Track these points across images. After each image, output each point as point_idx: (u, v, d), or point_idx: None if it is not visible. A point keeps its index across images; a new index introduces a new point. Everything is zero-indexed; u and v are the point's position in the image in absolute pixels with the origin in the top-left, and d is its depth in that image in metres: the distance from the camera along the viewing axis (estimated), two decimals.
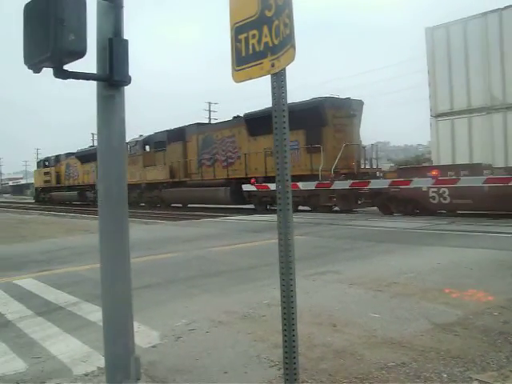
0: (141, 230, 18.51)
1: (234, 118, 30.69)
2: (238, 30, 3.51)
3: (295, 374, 3.31)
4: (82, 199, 48.85)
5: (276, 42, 3.21)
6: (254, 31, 3.37)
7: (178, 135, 34.59)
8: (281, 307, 3.33)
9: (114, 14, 3.61)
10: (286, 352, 3.29)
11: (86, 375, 4.95)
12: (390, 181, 20.89)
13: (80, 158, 48.81)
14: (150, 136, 37.80)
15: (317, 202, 24.18)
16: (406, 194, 20.03)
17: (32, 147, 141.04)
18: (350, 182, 21.89)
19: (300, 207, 25.16)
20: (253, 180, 26.24)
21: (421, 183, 19.25)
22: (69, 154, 53.05)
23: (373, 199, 22.10)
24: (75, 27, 3.29)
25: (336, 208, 24.04)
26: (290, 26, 3.20)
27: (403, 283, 8.09)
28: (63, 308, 7.65)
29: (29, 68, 3.51)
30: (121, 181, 3.63)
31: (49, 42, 3.22)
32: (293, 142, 24.33)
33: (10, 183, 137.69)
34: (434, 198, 18.79)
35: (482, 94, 18.95)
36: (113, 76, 3.55)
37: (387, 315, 6.39)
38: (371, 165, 26.14)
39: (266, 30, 3.32)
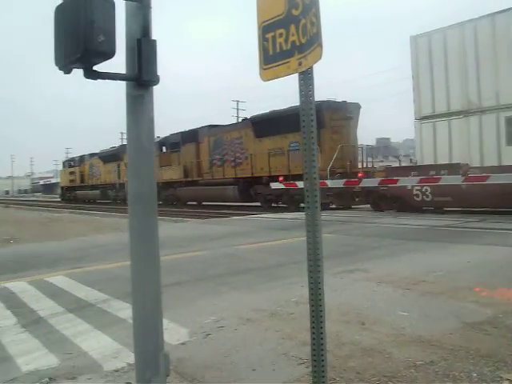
0: (170, 228, 18.64)
1: (243, 120, 32.80)
2: (266, 29, 3.52)
3: (323, 371, 3.32)
4: (104, 197, 50.45)
5: (303, 40, 3.21)
6: (281, 30, 3.38)
7: (191, 137, 36.18)
8: (309, 305, 3.33)
9: (142, 14, 3.65)
10: (314, 350, 3.29)
11: (116, 371, 5.02)
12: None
13: (102, 158, 50.66)
14: (166, 137, 39.13)
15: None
16: (393, 192, 21.44)
17: (62, 146, 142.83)
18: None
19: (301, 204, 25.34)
20: (280, 178, 26.46)
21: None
22: (92, 155, 54.70)
23: (366, 197, 23.51)
24: (105, 28, 3.34)
25: (332, 206, 25.51)
26: (316, 24, 3.20)
27: (432, 281, 8.04)
28: (94, 305, 7.75)
29: (60, 69, 3.56)
30: (150, 179, 3.67)
31: (79, 43, 3.27)
32: (295, 143, 26.53)
33: (41, 182, 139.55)
34: (417, 195, 20.26)
35: (460, 99, 20.38)
36: (142, 76, 3.59)
37: (416, 313, 6.36)
38: (366, 164, 27.32)
39: (293, 28, 3.33)
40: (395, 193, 21.32)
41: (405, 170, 22.18)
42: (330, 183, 23.00)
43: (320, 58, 3.11)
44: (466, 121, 20.27)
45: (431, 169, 20.36)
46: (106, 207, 40.83)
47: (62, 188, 64.20)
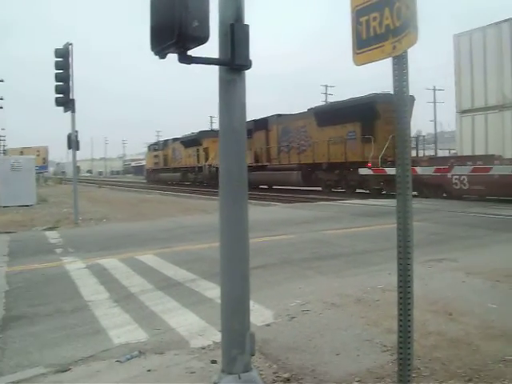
0: (257, 212, 18.81)
1: (308, 110, 33.52)
2: (359, 13, 3.48)
3: (409, 359, 3.29)
4: (184, 179, 53.73)
5: (397, 24, 3.15)
6: (375, 14, 3.33)
7: (261, 124, 38.03)
8: (397, 292, 3.30)
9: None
10: (401, 337, 3.27)
11: (203, 348, 5.16)
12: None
13: (183, 143, 53.52)
14: None
15: (369, 186, 27.91)
16: (435, 181, 22.39)
17: (153, 128, 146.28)
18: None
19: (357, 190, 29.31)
20: (369, 164, 26.40)
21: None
22: (175, 139, 57.53)
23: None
24: (199, 14, 3.40)
25: (384, 192, 26.55)
26: (411, 7, 3.13)
27: None
28: (182, 284, 7.98)
29: (155, 54, 3.66)
30: (241, 162, 3.71)
31: (174, 29, 3.34)
32: (351, 133, 28.97)
33: (133, 164, 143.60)
34: (456, 184, 21.29)
35: (496, 94, 21.62)
36: (234, 60, 3.63)
37: (506, 307, 6.16)
38: (417, 154, 28.11)
39: (387, 12, 3.27)
40: (436, 181, 22.31)
41: (445, 160, 23.28)
42: (419, 170, 22.60)
43: (415, 41, 3.04)
44: (501, 115, 21.48)
45: (468, 159, 21.52)
46: (190, 189, 42.11)
47: (147, 170, 68.33)
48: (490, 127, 22.08)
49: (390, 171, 23.47)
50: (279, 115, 37.68)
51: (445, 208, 18.67)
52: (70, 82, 17.70)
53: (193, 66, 3.58)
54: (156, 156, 62.69)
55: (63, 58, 17.60)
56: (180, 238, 12.85)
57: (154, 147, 65.06)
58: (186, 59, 3.50)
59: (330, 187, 31.71)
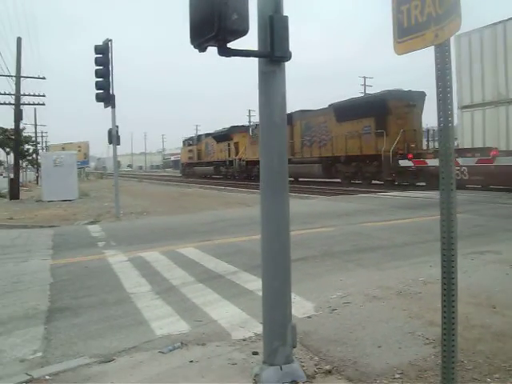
0: (296, 204, 18.77)
1: (328, 106, 34.93)
2: (400, 1, 3.42)
3: (453, 351, 3.24)
4: (217, 173, 55.54)
5: (440, 11, 3.09)
6: (417, 1, 3.27)
7: (286, 120, 38.24)
8: (441, 284, 3.25)
9: None
10: (445, 329, 3.22)
11: (244, 340, 5.18)
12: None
13: (216, 138, 55.49)
14: None
15: (382, 178, 29.66)
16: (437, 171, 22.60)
17: (191, 122, 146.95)
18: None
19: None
20: (410, 155, 26.49)
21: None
22: (207, 135, 60.14)
23: (418, 175, 26.73)
24: (238, 7, 3.41)
25: (396, 182, 28.97)
26: None
27: None
28: (222, 276, 8.02)
29: (194, 47, 3.68)
30: (282, 155, 3.72)
31: (214, 22, 3.36)
32: (366, 127, 30.69)
33: (172, 158, 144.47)
34: (457, 175, 21.47)
35: (492, 91, 23.40)
36: (274, 52, 3.63)
37: None
38: (428, 146, 29.92)
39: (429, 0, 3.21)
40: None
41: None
42: (461, 161, 22.49)
43: (458, 29, 2.97)
44: (496, 110, 23.24)
45: (468, 151, 23.27)
46: (229, 182, 42.73)
47: (182, 164, 70.57)
48: (487, 121, 24.02)
49: (431, 162, 24.00)
50: (302, 111, 39.05)
51: (486, 200, 18.35)
52: (110, 78, 17.92)
53: (232, 58, 3.60)
54: (190, 151, 64.65)
55: (103, 54, 17.82)
56: (221, 231, 12.93)
57: (188, 142, 67.04)
58: (225, 52, 3.51)
59: (348, 179, 33.20)
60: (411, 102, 29.42)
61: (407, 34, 3.34)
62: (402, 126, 28.75)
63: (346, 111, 32.34)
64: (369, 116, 30.29)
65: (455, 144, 25.34)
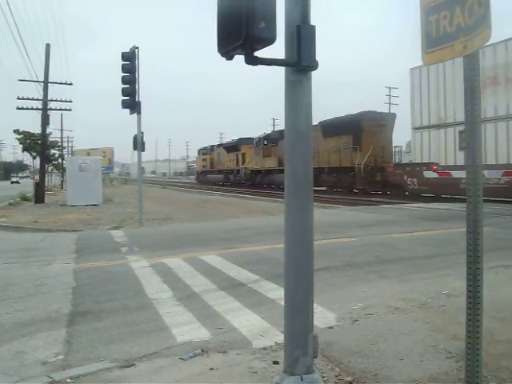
0: (319, 214, 18.68)
1: (318, 123, 38.10)
2: (429, 12, 3.40)
3: (477, 366, 3.20)
4: (226, 180, 60.78)
5: (469, 22, 3.06)
6: (446, 12, 3.25)
7: (311, 128, 44.93)
8: (466, 297, 3.21)
9: (301, 0, 3.69)
10: (469, 343, 3.18)
11: (265, 349, 5.17)
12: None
13: (226, 148, 61.10)
14: (268, 134, 49.63)
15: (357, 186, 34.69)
16: (397, 182, 30.26)
17: (216, 130, 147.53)
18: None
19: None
20: (435, 167, 26.82)
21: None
22: (219, 145, 66.06)
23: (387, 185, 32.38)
24: (266, 15, 3.41)
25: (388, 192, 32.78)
26: (484, 4, 3.04)
27: None
28: (244, 284, 8.02)
29: (222, 55, 3.68)
30: (307, 164, 3.70)
31: (241, 30, 3.36)
32: (346, 143, 35.33)
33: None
34: (410, 184, 28.83)
35: (435, 115, 28.27)
36: (301, 61, 3.62)
37: None
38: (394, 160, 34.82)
39: (458, 10, 3.18)
40: (398, 182, 30.01)
41: (403, 166, 30.99)
42: (487, 174, 22.53)
43: (488, 40, 2.94)
44: (438, 132, 28.17)
45: (417, 166, 28.81)
46: (252, 190, 44.02)
47: (197, 172, 76.45)
48: (432, 141, 28.81)
49: (456, 174, 24.37)
50: None
51: (507, 212, 18.09)
52: (136, 85, 18.09)
53: (258, 67, 3.59)
54: (204, 159, 70.14)
55: (129, 61, 18.01)
56: (243, 239, 12.93)
57: (202, 151, 72.22)
58: (252, 60, 3.51)
59: (331, 187, 38.01)
60: (382, 122, 34.52)
61: (435, 44, 3.31)
62: (373, 143, 33.25)
63: (330, 128, 36.87)
64: (348, 133, 34.80)
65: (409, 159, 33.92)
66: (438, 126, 28.13)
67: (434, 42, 3.32)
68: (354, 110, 39.40)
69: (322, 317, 6.02)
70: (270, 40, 3.45)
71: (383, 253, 10.38)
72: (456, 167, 25.92)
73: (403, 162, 34.38)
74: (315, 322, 4.23)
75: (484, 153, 24.87)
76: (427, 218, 17.08)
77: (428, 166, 27.36)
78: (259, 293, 7.46)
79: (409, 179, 28.76)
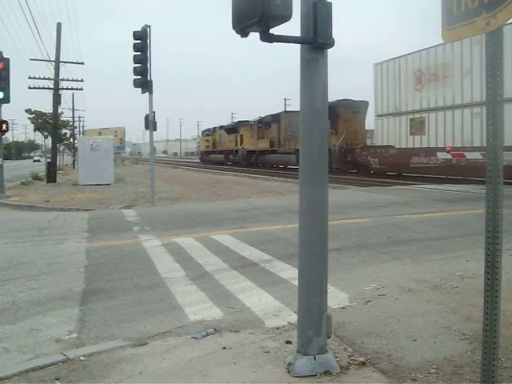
0: (331, 195, 18.47)
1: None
2: None
3: (494, 349, 3.16)
4: (226, 160, 63.73)
5: None
6: None
7: (276, 118, 48.38)
8: (484, 278, 3.17)
9: None
10: (487, 325, 3.14)
11: (277, 328, 5.16)
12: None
13: (226, 130, 63.98)
14: (262, 117, 51.79)
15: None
16: (363, 161, 34.09)
17: (228, 110, 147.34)
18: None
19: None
20: (449, 148, 26.54)
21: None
22: (221, 127, 67.74)
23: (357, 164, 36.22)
24: None
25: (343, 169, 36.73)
26: None
27: None
28: (256, 264, 8.01)
29: (237, 33, 3.64)
30: (322, 143, 3.67)
31: (257, 7, 3.31)
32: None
33: None
34: (373, 164, 32.64)
35: (392, 105, 31.95)
36: (317, 39, 3.57)
37: None
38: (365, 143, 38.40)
39: None
40: (364, 162, 33.85)
41: (367, 148, 35.03)
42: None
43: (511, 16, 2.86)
44: (394, 119, 31.95)
45: (378, 148, 32.91)
46: (263, 171, 44.22)
47: (201, 152, 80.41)
48: (390, 127, 32.45)
49: (470, 155, 24.33)
50: (287, 111, 51.77)
51: None
52: (148, 64, 18.00)
53: (273, 44, 3.55)
54: (207, 140, 72.80)
55: (141, 39, 17.89)
56: (255, 219, 12.93)
57: (206, 133, 75.18)
58: (267, 38, 3.47)
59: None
60: (355, 109, 38.46)
61: (457, 21, 3.22)
62: (347, 128, 37.29)
63: None
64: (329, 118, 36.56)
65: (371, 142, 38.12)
66: (394, 115, 31.95)
67: (456, 18, 3.22)
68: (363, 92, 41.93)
69: (335, 297, 6.00)
70: (286, 17, 3.40)
71: (396, 234, 10.34)
72: (408, 149, 30.64)
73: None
74: (328, 303, 4.21)
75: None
76: (440, 200, 16.98)
77: (387, 149, 31.61)
78: (271, 272, 7.46)
79: (372, 159, 32.76)
